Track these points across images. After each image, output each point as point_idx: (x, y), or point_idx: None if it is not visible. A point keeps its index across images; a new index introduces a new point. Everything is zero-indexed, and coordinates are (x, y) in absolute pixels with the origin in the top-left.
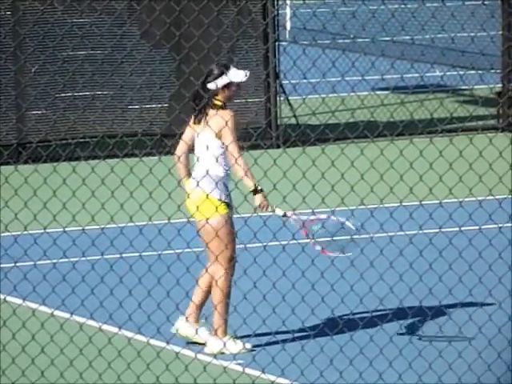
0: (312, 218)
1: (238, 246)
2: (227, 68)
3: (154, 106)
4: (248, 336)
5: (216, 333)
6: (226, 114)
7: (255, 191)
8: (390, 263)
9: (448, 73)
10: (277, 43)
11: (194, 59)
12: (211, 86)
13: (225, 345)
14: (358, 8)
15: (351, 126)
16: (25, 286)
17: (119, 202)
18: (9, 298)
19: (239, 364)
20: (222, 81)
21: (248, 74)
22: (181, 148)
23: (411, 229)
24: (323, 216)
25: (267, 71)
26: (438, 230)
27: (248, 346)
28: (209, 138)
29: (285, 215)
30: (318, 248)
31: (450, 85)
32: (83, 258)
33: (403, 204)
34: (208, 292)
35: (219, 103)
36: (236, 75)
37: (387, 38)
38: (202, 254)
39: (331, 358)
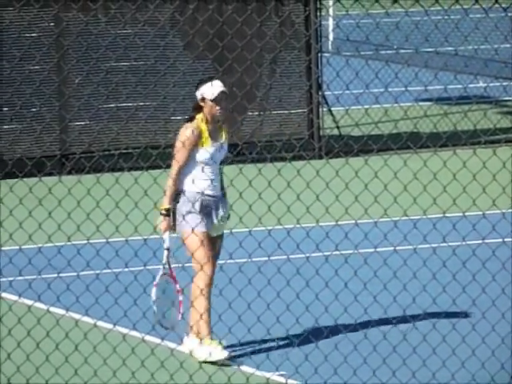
0: (174, 274)
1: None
2: (203, 83)
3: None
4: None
5: (191, 330)
6: (182, 128)
7: (162, 213)
8: (433, 274)
9: (491, 84)
10: (320, 54)
11: (237, 70)
12: (198, 95)
13: (210, 354)
14: (401, 19)
15: (394, 137)
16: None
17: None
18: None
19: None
20: (199, 94)
21: (217, 92)
22: None
23: (455, 240)
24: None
25: (310, 82)
26: (481, 242)
27: (232, 353)
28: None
29: (167, 249)
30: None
31: (493, 96)
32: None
33: (446, 215)
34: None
35: (196, 116)
36: (209, 91)
37: (430, 49)
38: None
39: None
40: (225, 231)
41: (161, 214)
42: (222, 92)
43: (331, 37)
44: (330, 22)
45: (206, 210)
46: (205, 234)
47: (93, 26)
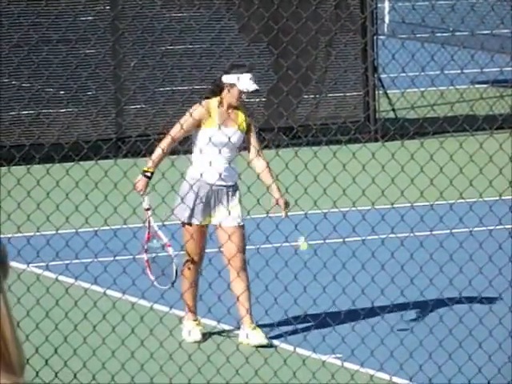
0: (158, 232)
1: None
2: (240, 72)
3: (251, 99)
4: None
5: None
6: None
7: (143, 173)
8: (489, 257)
9: None
10: (375, 37)
11: (292, 53)
12: (223, 78)
13: (189, 333)
14: (457, 1)
15: (450, 120)
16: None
17: None
18: (14, 264)
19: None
20: (229, 79)
21: (252, 88)
22: None
23: (509, 223)
24: (165, 240)
25: (366, 65)
26: None
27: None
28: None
29: (148, 209)
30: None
31: None
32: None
33: (502, 198)
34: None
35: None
36: (243, 82)
37: (486, 32)
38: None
39: (430, 353)
40: (281, 214)
41: (142, 173)
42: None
43: (387, 19)
44: (386, 4)
45: (205, 200)
46: (196, 227)
47: (148, 9)
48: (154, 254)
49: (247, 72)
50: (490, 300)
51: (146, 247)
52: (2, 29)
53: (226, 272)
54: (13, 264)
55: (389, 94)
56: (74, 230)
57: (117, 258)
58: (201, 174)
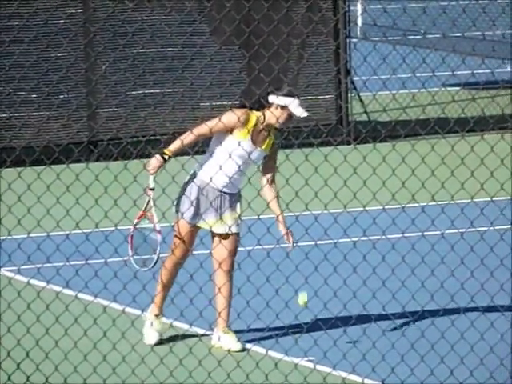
0: (154, 215)
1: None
2: (293, 96)
3: (224, 103)
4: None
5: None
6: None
7: (161, 155)
8: (461, 260)
9: None
10: (347, 39)
11: (264, 56)
12: (271, 98)
13: (151, 324)
14: (428, 4)
15: (422, 122)
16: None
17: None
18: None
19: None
20: (282, 100)
21: (304, 115)
22: None
23: (482, 225)
24: (157, 226)
25: (338, 68)
26: (509, 227)
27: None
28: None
29: (152, 189)
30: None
31: None
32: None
33: (474, 200)
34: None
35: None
36: (295, 106)
37: (458, 34)
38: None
39: (402, 355)
40: (252, 217)
41: (160, 153)
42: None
43: (359, 22)
44: (359, 6)
45: (208, 203)
46: (190, 228)
47: (120, 12)
48: (142, 232)
49: (297, 97)
50: (462, 303)
51: (135, 223)
52: None
53: (199, 275)
54: None
55: (361, 97)
56: (45, 234)
57: (88, 261)
58: (210, 178)
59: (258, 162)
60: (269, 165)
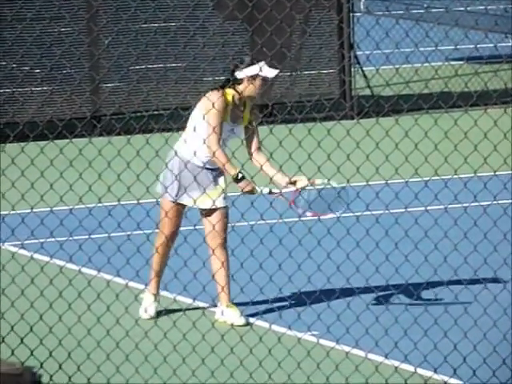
0: (294, 189)
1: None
2: (257, 62)
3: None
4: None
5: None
6: (212, 95)
7: (237, 180)
8: (464, 234)
9: None
10: (351, 14)
11: (267, 30)
12: (239, 74)
13: (146, 309)
14: None
15: (425, 97)
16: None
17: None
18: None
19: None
20: (250, 70)
21: (276, 72)
22: None
23: (485, 199)
24: (304, 183)
25: (341, 42)
26: (510, 201)
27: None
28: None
29: (270, 192)
30: (309, 213)
31: None
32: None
33: (477, 174)
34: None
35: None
36: (264, 70)
37: (461, 8)
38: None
39: (405, 329)
40: (252, 195)
41: (237, 181)
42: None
43: None
44: None
45: (190, 180)
46: (174, 205)
47: None
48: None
49: (254, 60)
50: (466, 277)
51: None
52: None
53: (202, 250)
54: None
55: (364, 71)
56: (48, 209)
57: (92, 236)
58: (192, 154)
59: (239, 135)
60: (251, 135)
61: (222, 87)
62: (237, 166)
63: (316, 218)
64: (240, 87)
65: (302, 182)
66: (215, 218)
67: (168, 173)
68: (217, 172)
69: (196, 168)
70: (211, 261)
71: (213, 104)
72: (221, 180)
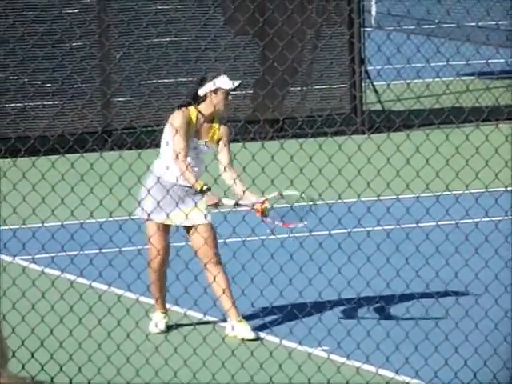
0: (261, 199)
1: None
2: (217, 76)
3: (238, 92)
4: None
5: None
6: (175, 113)
7: (201, 191)
8: (475, 249)
9: None
10: (361, 29)
11: (278, 45)
12: (200, 91)
13: (156, 324)
14: None
15: (436, 112)
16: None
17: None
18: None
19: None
20: (211, 86)
21: (236, 84)
22: None
23: (497, 215)
24: (273, 195)
25: (352, 57)
26: None
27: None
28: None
29: (237, 204)
30: (278, 222)
31: None
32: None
33: (489, 190)
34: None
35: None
36: (225, 81)
37: (472, 23)
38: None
39: (416, 345)
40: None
41: (202, 193)
42: (235, 87)
43: (374, 11)
44: None
45: (168, 197)
46: (158, 224)
47: (134, 1)
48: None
49: (222, 74)
50: (476, 292)
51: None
52: None
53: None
54: None
55: (375, 86)
56: (59, 223)
57: (102, 250)
58: (165, 172)
59: (206, 152)
60: (222, 153)
61: (186, 105)
62: (201, 180)
63: (288, 227)
64: (203, 104)
65: (268, 199)
66: (201, 237)
67: (146, 195)
68: (186, 189)
69: (171, 186)
70: (208, 279)
71: (173, 123)
72: (200, 198)
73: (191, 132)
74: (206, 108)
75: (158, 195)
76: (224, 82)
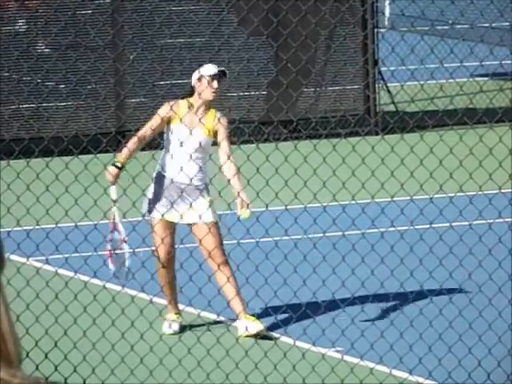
0: (119, 225)
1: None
2: (198, 67)
3: (251, 93)
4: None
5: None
6: None
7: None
8: (489, 250)
9: None
10: (375, 30)
11: (292, 46)
12: (192, 82)
13: (170, 325)
14: None
15: (450, 113)
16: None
17: (216, 187)
18: (13, 257)
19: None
20: (196, 75)
21: (220, 69)
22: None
23: (510, 216)
24: (122, 235)
25: (365, 58)
26: None
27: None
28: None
29: (114, 201)
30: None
31: None
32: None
33: (502, 191)
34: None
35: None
36: (206, 69)
37: (486, 24)
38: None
39: (430, 346)
40: (279, 208)
41: (113, 164)
42: (220, 71)
43: (387, 12)
44: None
45: (167, 195)
46: (160, 221)
47: (148, 2)
48: (114, 247)
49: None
50: (490, 293)
51: (109, 238)
52: (1, 22)
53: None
54: (12, 257)
55: (389, 87)
56: (73, 224)
57: (116, 251)
58: (164, 169)
59: (205, 146)
60: (220, 147)
61: (183, 97)
62: (122, 157)
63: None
64: (194, 96)
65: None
66: (206, 235)
67: (151, 194)
68: (199, 187)
69: (174, 184)
70: (218, 280)
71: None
72: (205, 195)
73: (175, 123)
74: (195, 98)
75: (162, 194)
76: (206, 69)
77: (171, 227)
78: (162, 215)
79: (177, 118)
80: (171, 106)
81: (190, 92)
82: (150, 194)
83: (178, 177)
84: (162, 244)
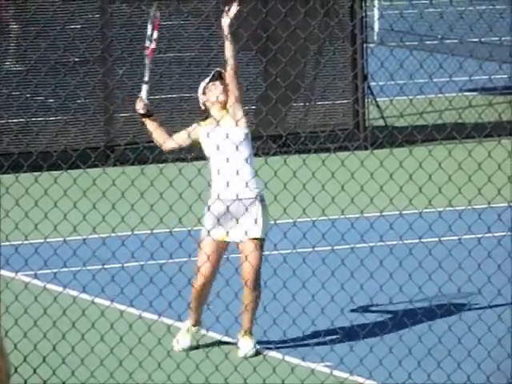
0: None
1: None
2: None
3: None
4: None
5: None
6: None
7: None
8: (478, 265)
9: None
10: (364, 45)
11: (281, 61)
12: (200, 100)
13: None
14: (445, 9)
15: (439, 128)
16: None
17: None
18: (2, 272)
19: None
20: (199, 92)
21: (207, 80)
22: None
23: (499, 230)
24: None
25: (354, 73)
26: None
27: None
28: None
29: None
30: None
31: None
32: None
33: (491, 205)
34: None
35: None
36: (204, 81)
37: (475, 39)
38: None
39: (419, 361)
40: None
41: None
42: (216, 72)
43: (376, 27)
44: (375, 12)
45: (219, 216)
46: (210, 241)
47: (137, 17)
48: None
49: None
50: (479, 308)
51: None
52: None
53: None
54: (1, 272)
55: (378, 102)
56: (62, 239)
57: (105, 266)
58: (213, 188)
59: (239, 139)
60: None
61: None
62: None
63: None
64: (210, 110)
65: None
66: (249, 254)
67: (206, 214)
68: (248, 202)
69: (222, 202)
70: (247, 296)
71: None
72: (253, 211)
73: (205, 123)
74: (212, 111)
75: (214, 214)
76: (204, 81)
77: (220, 248)
78: (208, 232)
79: (204, 124)
80: (192, 130)
81: (204, 114)
82: (208, 214)
83: (225, 192)
84: (211, 265)
